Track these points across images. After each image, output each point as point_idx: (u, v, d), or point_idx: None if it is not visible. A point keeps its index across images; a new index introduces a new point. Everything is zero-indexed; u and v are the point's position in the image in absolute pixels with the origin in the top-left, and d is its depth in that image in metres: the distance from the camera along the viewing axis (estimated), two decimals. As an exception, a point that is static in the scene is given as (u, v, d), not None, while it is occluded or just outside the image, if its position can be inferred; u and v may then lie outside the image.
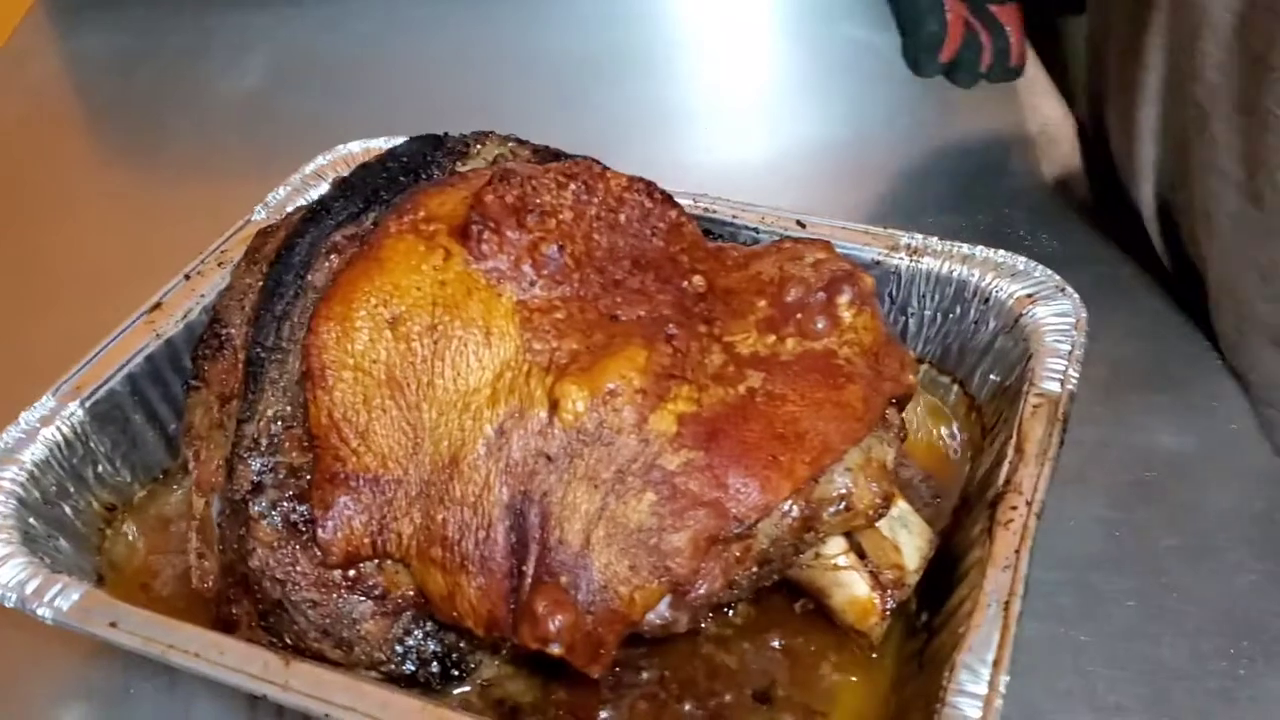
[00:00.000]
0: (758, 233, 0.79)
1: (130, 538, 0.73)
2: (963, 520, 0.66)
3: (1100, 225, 0.97)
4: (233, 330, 0.66)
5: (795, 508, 0.59)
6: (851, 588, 0.63)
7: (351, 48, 1.36)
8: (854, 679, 0.63)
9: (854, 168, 1.10)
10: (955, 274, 0.75)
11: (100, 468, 0.72)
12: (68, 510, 0.69)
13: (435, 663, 0.60)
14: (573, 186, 0.65)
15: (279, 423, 0.61)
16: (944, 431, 0.77)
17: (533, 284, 0.62)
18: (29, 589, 0.60)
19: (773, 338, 0.63)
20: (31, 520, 0.66)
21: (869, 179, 1.08)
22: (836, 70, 1.26)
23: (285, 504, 0.59)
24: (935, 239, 0.76)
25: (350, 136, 0.93)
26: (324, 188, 0.86)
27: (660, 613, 0.58)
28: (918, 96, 1.18)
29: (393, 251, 0.62)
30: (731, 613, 0.66)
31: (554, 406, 0.58)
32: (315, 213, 0.67)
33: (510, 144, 0.73)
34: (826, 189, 1.07)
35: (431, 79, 1.29)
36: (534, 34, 1.37)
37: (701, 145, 1.17)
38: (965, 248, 0.75)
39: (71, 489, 0.70)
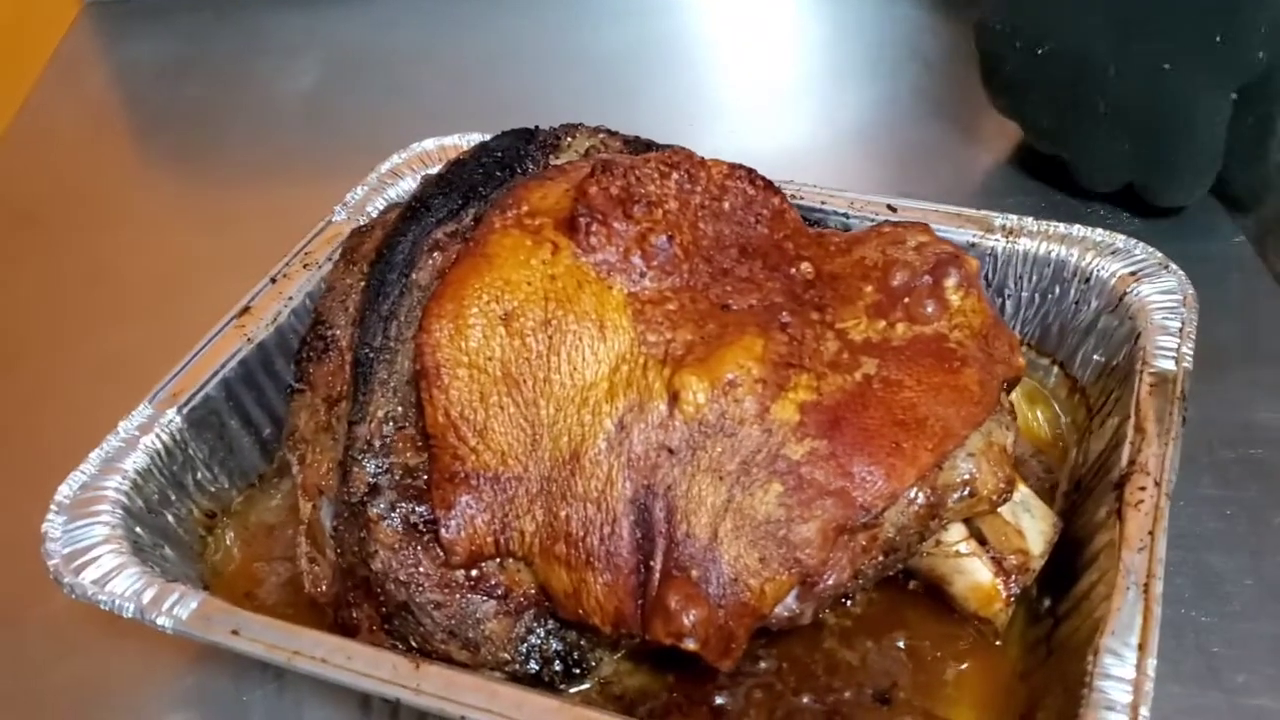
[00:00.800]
0: (847, 218, 0.78)
1: (227, 543, 0.72)
2: (1082, 503, 0.65)
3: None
4: (337, 331, 0.65)
5: (921, 495, 0.58)
6: (974, 574, 0.62)
7: (401, 45, 1.35)
8: (978, 673, 0.62)
9: (920, 150, 1.09)
10: (1053, 254, 0.74)
11: (199, 474, 0.71)
12: (170, 518, 0.69)
13: (558, 661, 0.60)
14: (675, 175, 0.64)
15: (391, 423, 0.60)
16: (1040, 414, 0.76)
17: (643, 275, 0.61)
18: (146, 598, 0.59)
19: (883, 323, 0.62)
20: (138, 529, 0.65)
21: (938, 161, 1.06)
22: (898, 51, 1.24)
23: (404, 505, 0.58)
24: (1030, 219, 0.75)
25: (409, 134, 0.92)
26: (402, 186, 0.85)
27: (787, 605, 0.57)
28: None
29: (500, 247, 0.61)
30: (850, 603, 0.65)
31: (674, 398, 0.57)
32: (414, 210, 0.66)
33: (601, 135, 0.73)
34: (895, 172, 1.07)
35: (481, 74, 1.29)
36: (580, 26, 1.36)
37: (762, 130, 1.16)
38: (1062, 227, 0.74)
39: (173, 497, 0.69)
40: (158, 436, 0.68)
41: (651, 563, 0.56)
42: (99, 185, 1.16)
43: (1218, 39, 0.83)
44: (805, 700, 0.61)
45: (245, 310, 0.75)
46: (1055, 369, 0.76)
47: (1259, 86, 0.85)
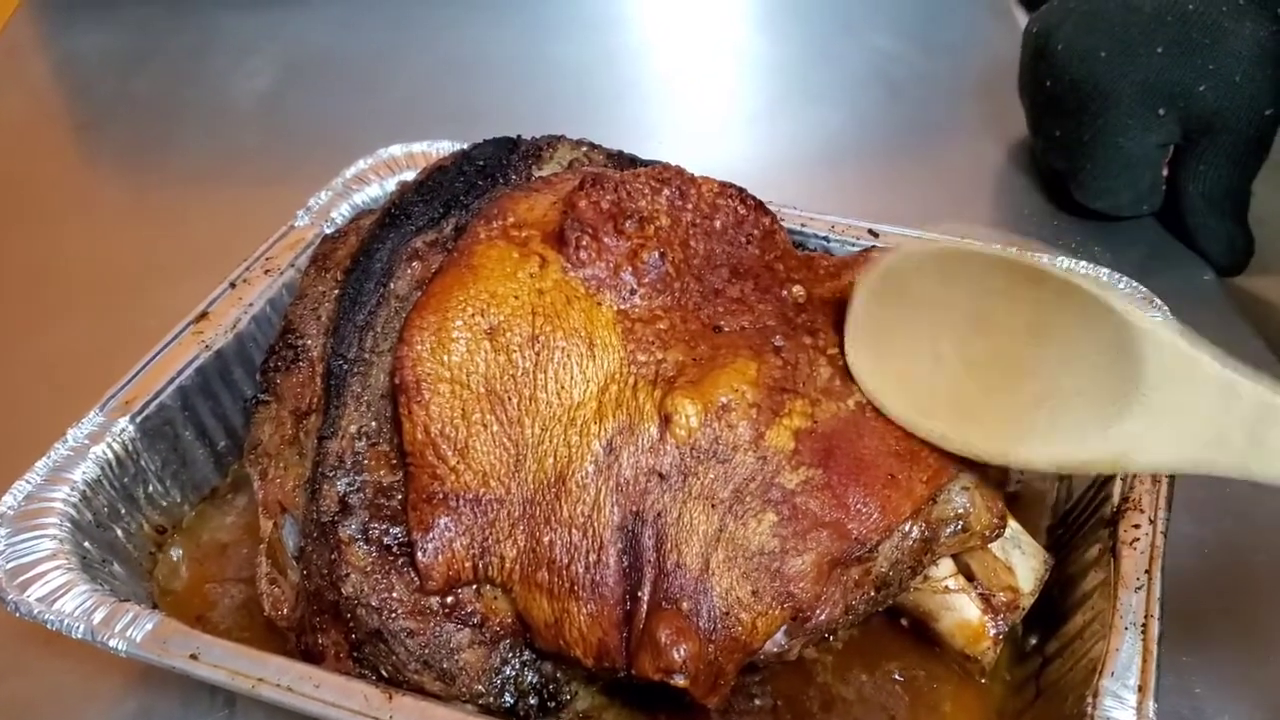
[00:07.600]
0: (828, 241, 0.76)
1: (175, 560, 0.69)
2: (1071, 540, 0.63)
3: (1148, 233, 0.95)
4: (308, 341, 0.62)
5: (915, 528, 0.56)
6: (962, 611, 0.60)
7: (361, 48, 1.32)
8: (963, 712, 0.60)
9: (892, 177, 1.08)
10: (1037, 285, 0.73)
11: (151, 487, 0.67)
12: (119, 533, 0.65)
13: (533, 694, 0.57)
14: (666, 191, 0.62)
15: (364, 439, 0.58)
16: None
17: (633, 292, 0.59)
18: (96, 619, 0.56)
19: (874, 350, 0.61)
20: (86, 544, 0.61)
21: (915, 190, 1.05)
22: (864, 76, 1.23)
23: (377, 526, 0.55)
24: (1013, 251, 0.74)
25: (369, 139, 0.88)
26: (368, 192, 0.82)
27: (776, 640, 0.55)
28: (949, 107, 1.16)
29: (485, 258, 0.59)
30: (833, 638, 0.63)
31: (666, 421, 0.55)
32: (393, 217, 0.63)
33: (584, 148, 0.70)
34: (866, 194, 1.05)
35: (442, 81, 1.25)
36: (545, 35, 1.34)
37: (731, 150, 1.14)
38: (1045, 258, 0.73)
39: (123, 510, 0.65)
40: (109, 446, 0.64)
41: (639, 593, 0.53)
42: (41, 181, 1.11)
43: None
44: (803, 739, 0.59)
45: (203, 316, 0.72)
46: (1035, 401, 0.75)
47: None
